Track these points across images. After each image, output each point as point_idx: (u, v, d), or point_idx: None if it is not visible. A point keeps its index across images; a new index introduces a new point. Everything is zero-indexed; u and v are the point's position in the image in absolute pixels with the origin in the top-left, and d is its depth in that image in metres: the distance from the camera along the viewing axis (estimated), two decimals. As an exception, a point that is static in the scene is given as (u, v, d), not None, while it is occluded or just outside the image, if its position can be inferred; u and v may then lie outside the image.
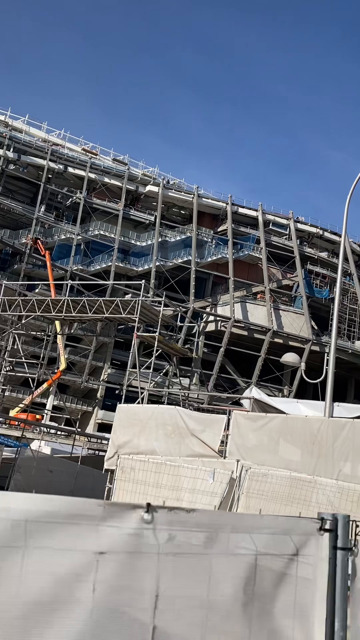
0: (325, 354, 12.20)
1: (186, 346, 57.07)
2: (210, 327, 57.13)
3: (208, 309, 57.24)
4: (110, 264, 53.32)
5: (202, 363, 57.28)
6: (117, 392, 47.36)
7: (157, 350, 23.23)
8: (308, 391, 50.07)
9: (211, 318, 56.99)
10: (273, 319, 56.55)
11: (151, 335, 22.01)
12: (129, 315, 20.49)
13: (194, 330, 56.86)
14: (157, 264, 55.11)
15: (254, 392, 10.96)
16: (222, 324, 56.27)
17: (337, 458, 9.42)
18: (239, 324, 55.58)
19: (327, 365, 10.93)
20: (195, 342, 56.59)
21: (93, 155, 59.68)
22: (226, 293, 57.38)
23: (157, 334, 20.66)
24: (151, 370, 23.04)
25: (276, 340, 56.27)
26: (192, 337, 56.69)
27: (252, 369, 56.15)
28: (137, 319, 20.44)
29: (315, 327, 59.58)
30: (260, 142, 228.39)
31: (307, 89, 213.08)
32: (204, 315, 57.09)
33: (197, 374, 56.41)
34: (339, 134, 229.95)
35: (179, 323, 49.03)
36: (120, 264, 54.69)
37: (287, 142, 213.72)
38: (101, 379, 53.32)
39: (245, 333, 56.68)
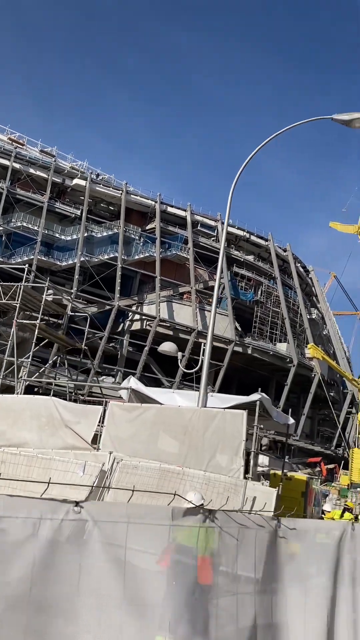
0: (202, 344, 12.09)
1: (110, 344, 56.44)
2: (136, 325, 56.70)
3: (134, 308, 56.74)
4: (32, 257, 51.68)
5: (127, 362, 56.68)
6: (35, 389, 45.89)
7: (41, 340, 22.59)
8: (230, 391, 50.85)
9: (137, 317, 56.53)
10: (198, 319, 56.87)
11: (32, 322, 21.27)
12: (9, 302, 19.59)
13: (119, 329, 56.27)
14: (82, 259, 54.01)
15: (132, 382, 10.65)
16: (147, 323, 55.96)
17: (207, 449, 9.27)
18: (164, 324, 55.45)
19: (202, 355, 10.78)
20: (120, 340, 56.00)
21: (19, 145, 57.82)
22: (152, 292, 57.12)
23: (37, 321, 19.91)
24: (29, 359, 22.37)
25: (201, 340, 56.30)
26: (118, 336, 56.07)
27: (177, 368, 56.16)
28: (17, 306, 19.61)
29: (239, 329, 60.54)
30: (196, 144, 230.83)
31: (245, 95, 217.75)
32: (130, 313, 56.54)
33: (121, 373, 55.73)
34: (273, 141, 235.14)
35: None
36: (44, 258, 53.20)
37: (222, 146, 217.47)
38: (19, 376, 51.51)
39: (171, 333, 56.61)
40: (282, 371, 62.59)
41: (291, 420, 11.94)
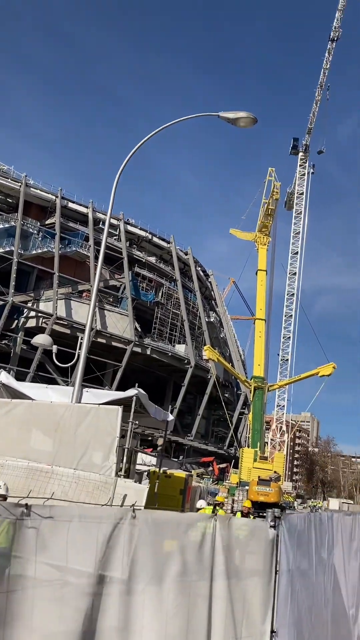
0: (79, 337, 11.78)
1: (3, 342, 54.07)
2: (31, 322, 54.68)
3: (30, 304, 54.75)
4: None
5: (21, 360, 54.51)
6: None
7: None
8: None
9: (32, 313, 54.58)
10: (97, 319, 55.98)
11: None
12: None
13: (13, 325, 54.08)
14: (-25, 251, 51.24)
15: (3, 376, 10.08)
16: (43, 321, 54.17)
17: (79, 446, 8.96)
18: (61, 322, 53.99)
19: (79, 349, 10.47)
20: (14, 338, 53.83)
21: None
22: (50, 289, 55.44)
23: None
24: None
25: (99, 340, 55.77)
26: (12, 333, 53.84)
27: (73, 368, 55.03)
28: None
29: (139, 329, 60.51)
30: (101, 141, 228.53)
31: (152, 95, 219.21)
32: (25, 310, 54.47)
33: (14, 372, 53.48)
34: (179, 144, 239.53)
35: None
36: None
37: (128, 146, 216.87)
38: None
39: (68, 331, 55.21)
40: (179, 372, 63.42)
41: (170, 417, 11.92)
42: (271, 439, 64.80)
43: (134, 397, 9.50)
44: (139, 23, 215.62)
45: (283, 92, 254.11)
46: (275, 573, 5.31)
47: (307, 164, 75.55)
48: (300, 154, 75.65)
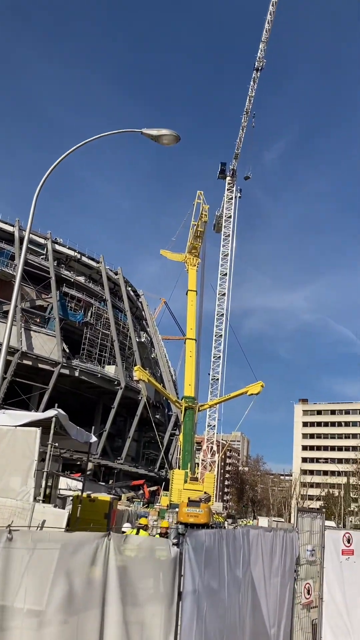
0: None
1: None
2: None
3: None
4: None
5: None
6: None
7: None
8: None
9: None
10: (23, 340, 54.24)
11: None
12: None
13: None
14: None
15: None
16: (-35, 342, 51.82)
17: (-5, 471, 8.43)
18: (-16, 343, 51.85)
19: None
20: None
21: None
22: (-27, 308, 53.35)
23: None
24: None
25: (25, 362, 53.98)
26: None
27: (-3, 391, 52.72)
28: None
29: (67, 350, 59.15)
30: (29, 160, 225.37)
31: (84, 118, 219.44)
32: None
33: None
34: (110, 166, 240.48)
35: None
36: None
37: (60, 168, 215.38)
38: None
39: (-8, 353, 53.06)
40: (109, 394, 62.43)
41: (93, 438, 11.55)
42: (202, 460, 64.92)
43: (54, 418, 9.10)
44: (72, 45, 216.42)
45: (213, 118, 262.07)
46: (179, 595, 4.89)
47: (234, 188, 77.82)
48: (228, 178, 77.95)
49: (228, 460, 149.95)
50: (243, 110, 73.05)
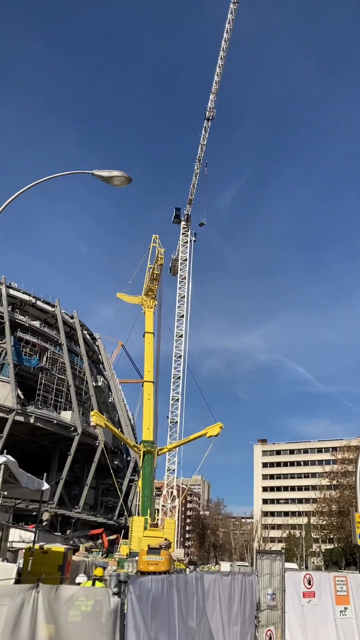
0: None
1: None
2: None
3: None
4: None
5: None
6: None
7: None
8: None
9: None
10: (-25, 387, 52.74)
11: None
12: None
13: None
14: None
15: None
16: None
17: None
18: None
19: None
20: None
21: None
22: None
23: None
24: None
25: (-24, 410, 52.31)
26: None
27: None
28: None
29: (22, 397, 57.66)
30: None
31: (38, 165, 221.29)
32: None
33: None
34: (64, 210, 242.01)
35: None
36: None
37: (14, 212, 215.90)
38: None
39: None
40: (66, 440, 60.85)
41: (45, 486, 11.06)
42: (162, 505, 63.41)
43: (2, 466, 8.67)
44: (21, 86, 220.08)
45: (168, 163, 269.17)
46: (121, 652, 4.37)
47: (189, 232, 79.28)
48: (182, 223, 79.47)
49: (189, 505, 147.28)
50: (196, 158, 75.27)
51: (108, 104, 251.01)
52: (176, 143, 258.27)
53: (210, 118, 72.15)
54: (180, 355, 72.41)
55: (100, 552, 49.45)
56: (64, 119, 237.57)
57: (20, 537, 18.97)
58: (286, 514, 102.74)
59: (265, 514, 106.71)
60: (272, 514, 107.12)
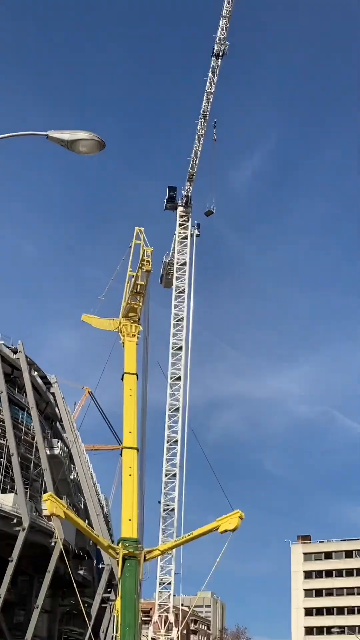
0: None
1: None
2: None
3: None
4: None
5: None
6: None
7: None
8: None
9: None
10: None
11: None
12: None
13: None
14: None
15: None
16: None
17: None
18: None
19: None
20: None
21: None
22: None
23: None
24: None
25: None
26: None
27: None
28: None
29: None
30: None
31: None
32: None
33: None
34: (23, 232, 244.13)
35: None
36: None
37: None
38: None
39: None
40: (6, 538, 60.53)
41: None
42: (152, 638, 62.66)
43: None
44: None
45: (156, 122, 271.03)
46: None
47: (189, 224, 79.97)
48: (180, 209, 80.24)
49: (193, 638, 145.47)
50: (199, 113, 76.21)
51: (69, 43, 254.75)
52: (169, 92, 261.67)
53: (221, 54, 73.42)
54: (178, 408, 72.41)
55: None
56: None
57: None
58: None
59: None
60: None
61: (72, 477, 78.23)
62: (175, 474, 69.10)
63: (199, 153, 78.07)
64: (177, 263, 78.27)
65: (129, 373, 58.34)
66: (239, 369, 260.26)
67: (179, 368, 74.17)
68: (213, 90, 75.09)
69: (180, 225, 79.84)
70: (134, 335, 61.01)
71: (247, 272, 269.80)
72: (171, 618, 65.42)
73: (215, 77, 74.36)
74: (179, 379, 73.76)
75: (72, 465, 78.83)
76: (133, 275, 61.12)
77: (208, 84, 74.46)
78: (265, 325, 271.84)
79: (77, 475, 78.68)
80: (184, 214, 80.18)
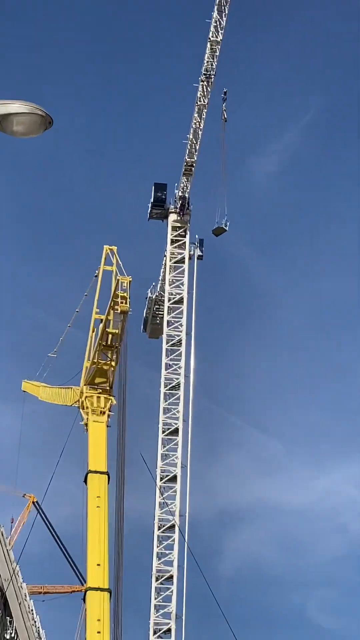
0: None
1: None
2: None
3: None
4: None
5: None
6: None
7: None
8: None
9: None
10: None
11: None
12: None
13: None
14: None
15: None
16: None
17: None
18: None
19: None
20: None
21: None
22: None
23: None
24: None
25: None
26: None
27: None
28: None
29: None
30: None
31: None
32: None
33: None
34: None
35: None
36: None
37: None
38: None
39: None
40: None
41: None
42: None
43: None
44: None
45: (131, 87, 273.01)
46: None
47: (186, 240, 79.54)
48: (173, 217, 79.86)
49: None
50: (200, 73, 76.65)
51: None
52: (152, 41, 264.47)
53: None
54: (173, 525, 71.44)
55: None
56: None
57: None
58: None
59: None
60: None
61: (7, 636, 77.08)
62: (170, 630, 68.08)
63: (199, 134, 78.09)
64: (170, 300, 77.90)
65: (95, 472, 57.83)
66: (266, 461, 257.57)
67: (174, 462, 73.42)
68: (220, 37, 75.57)
69: (173, 242, 79.54)
70: (104, 413, 60.56)
71: (278, 313, 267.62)
72: None
73: (224, 19, 75.05)
74: (173, 479, 72.98)
75: (7, 619, 77.65)
76: (102, 320, 60.71)
77: (212, 29, 75.04)
78: (306, 393, 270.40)
79: (15, 632, 77.50)
80: (178, 224, 79.87)
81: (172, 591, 69.56)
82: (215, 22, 73.93)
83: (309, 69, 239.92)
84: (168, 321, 76.80)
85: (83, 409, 60.55)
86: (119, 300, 58.72)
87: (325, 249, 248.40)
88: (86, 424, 60.27)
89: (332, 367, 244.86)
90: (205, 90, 75.66)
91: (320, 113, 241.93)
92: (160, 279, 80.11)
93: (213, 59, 74.77)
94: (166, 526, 71.55)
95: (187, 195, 79.82)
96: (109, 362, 60.45)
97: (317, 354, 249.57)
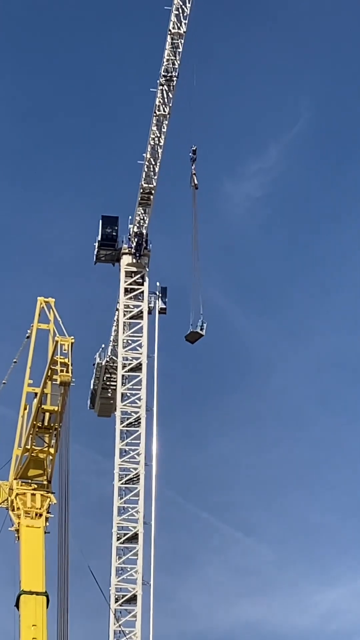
0: None
1: None
2: None
3: None
4: None
5: None
6: None
7: None
8: None
9: None
10: None
11: None
12: None
13: None
14: None
15: None
16: None
17: None
18: None
19: None
20: None
21: None
22: None
23: None
24: None
25: None
26: None
27: None
28: None
29: None
30: None
31: None
32: None
33: None
34: None
35: None
36: None
37: None
38: None
39: None
40: None
41: None
42: None
43: None
44: None
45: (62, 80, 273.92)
46: None
47: (145, 288, 78.87)
48: (127, 259, 79.30)
49: None
50: (158, 74, 76.34)
51: None
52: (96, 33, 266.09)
53: None
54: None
55: None
56: None
57: None
58: None
59: None
60: None
61: None
62: None
63: (158, 152, 77.83)
64: (125, 367, 77.34)
65: (30, 593, 56.31)
66: (252, 573, 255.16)
67: (133, 578, 72.23)
68: (183, 30, 75.48)
69: (127, 292, 79.37)
70: (40, 516, 59.42)
71: (267, 381, 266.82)
72: None
73: (187, 5, 74.92)
74: (132, 599, 71.62)
75: None
76: (36, 394, 59.74)
77: (174, 16, 74.86)
78: (303, 487, 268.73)
79: None
80: (134, 269, 79.49)
81: None
82: (177, 9, 73.80)
83: (299, 71, 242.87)
84: (122, 394, 76.43)
85: (13, 510, 59.55)
86: (57, 368, 57.80)
87: (325, 297, 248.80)
88: (17, 530, 58.99)
89: (336, 452, 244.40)
90: (165, 96, 75.47)
91: (309, 125, 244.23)
92: (111, 339, 79.73)
93: (175, 56, 74.75)
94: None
95: (144, 231, 79.61)
96: (46, 449, 59.45)
97: (318, 434, 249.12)
